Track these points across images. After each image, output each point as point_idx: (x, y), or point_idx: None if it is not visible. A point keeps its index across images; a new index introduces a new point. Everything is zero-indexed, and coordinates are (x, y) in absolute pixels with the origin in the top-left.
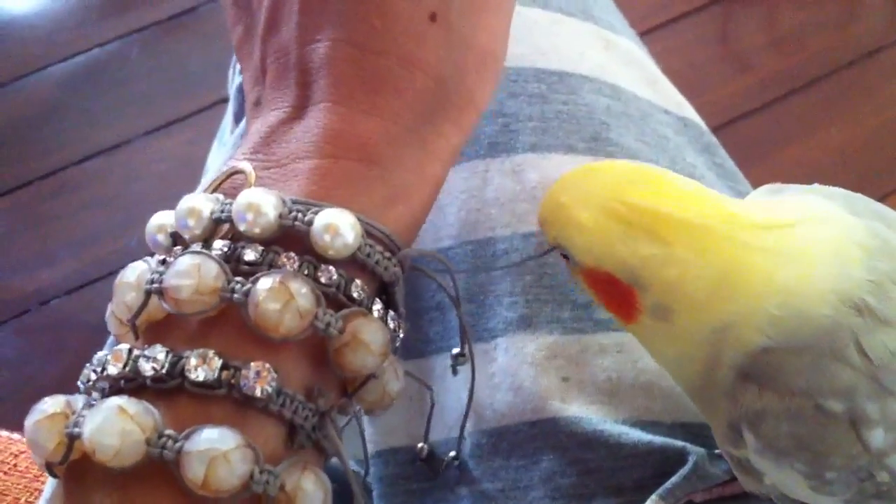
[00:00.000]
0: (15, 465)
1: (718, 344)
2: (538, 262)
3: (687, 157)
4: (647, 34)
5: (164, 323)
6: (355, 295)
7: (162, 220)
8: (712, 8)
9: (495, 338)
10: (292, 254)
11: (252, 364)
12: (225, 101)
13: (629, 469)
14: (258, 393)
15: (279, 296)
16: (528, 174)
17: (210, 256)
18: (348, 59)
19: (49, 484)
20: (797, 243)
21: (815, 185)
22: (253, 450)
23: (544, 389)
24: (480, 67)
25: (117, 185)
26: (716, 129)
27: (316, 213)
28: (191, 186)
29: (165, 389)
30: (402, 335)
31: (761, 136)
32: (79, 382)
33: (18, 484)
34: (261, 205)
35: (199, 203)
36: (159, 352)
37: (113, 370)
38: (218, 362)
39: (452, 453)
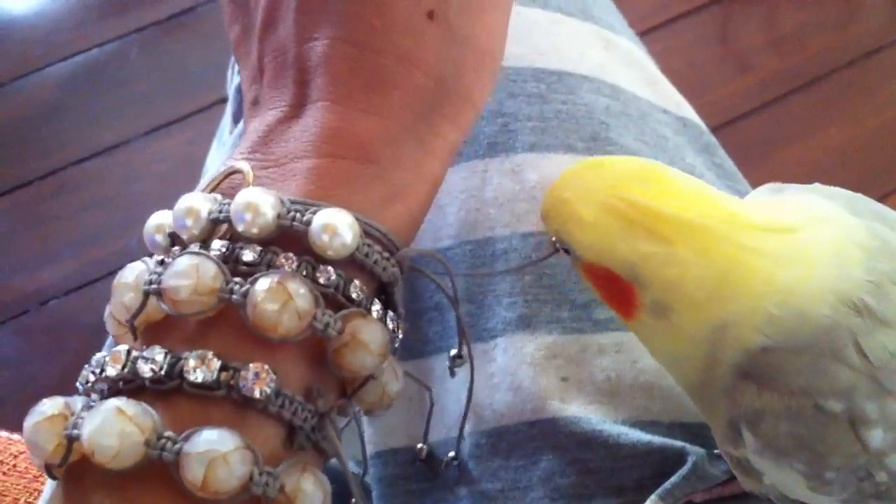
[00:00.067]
0: (14, 466)
1: (717, 343)
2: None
3: (686, 156)
4: (646, 34)
5: (162, 323)
6: (354, 295)
7: (160, 221)
8: (712, 8)
9: (494, 338)
10: (291, 254)
11: (251, 365)
12: (224, 101)
13: (628, 469)
14: (257, 394)
15: (277, 296)
16: (527, 174)
17: (208, 257)
18: (346, 57)
19: (48, 485)
20: (797, 244)
21: (816, 185)
22: (252, 451)
23: (543, 389)
24: (479, 66)
25: (117, 185)
26: (715, 129)
27: (314, 213)
28: (190, 186)
29: (164, 391)
30: (401, 336)
31: (761, 136)
32: (77, 384)
33: (18, 484)
34: (259, 205)
35: (198, 203)
36: (158, 353)
37: (111, 371)
38: (217, 363)
39: (452, 453)
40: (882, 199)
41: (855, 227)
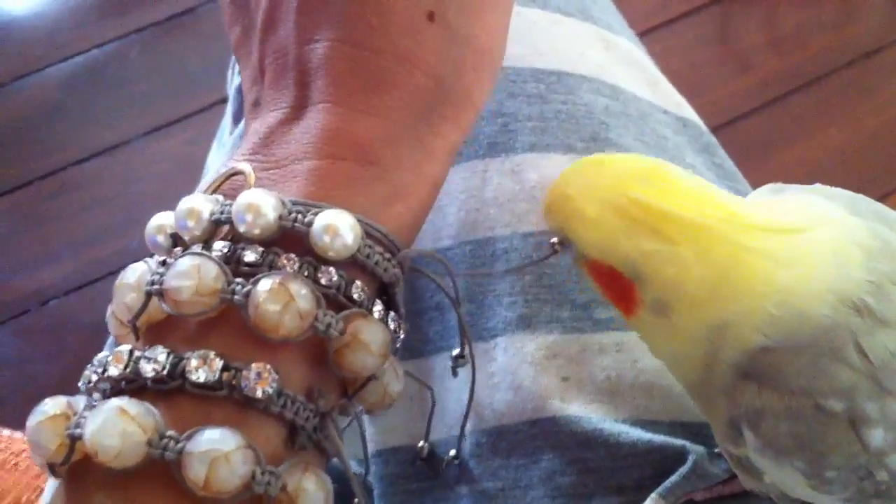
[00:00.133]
0: (16, 464)
1: (717, 342)
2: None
3: (686, 156)
4: (646, 34)
5: (164, 324)
6: (355, 296)
7: (162, 222)
8: (712, 8)
9: (495, 337)
10: (292, 255)
11: (253, 365)
12: (224, 101)
13: (629, 468)
14: (259, 394)
15: (279, 297)
16: (527, 174)
17: (210, 258)
18: (346, 58)
19: (50, 484)
20: (798, 245)
21: (817, 185)
22: (254, 451)
23: (544, 389)
24: (478, 66)
25: (117, 185)
26: (715, 129)
27: (315, 214)
28: (190, 186)
29: (166, 390)
30: (402, 336)
31: (761, 137)
32: (80, 384)
33: (20, 482)
34: (260, 206)
35: (199, 204)
36: (160, 353)
37: (114, 371)
38: (219, 363)
39: (452, 452)
40: (882, 198)
41: (856, 228)
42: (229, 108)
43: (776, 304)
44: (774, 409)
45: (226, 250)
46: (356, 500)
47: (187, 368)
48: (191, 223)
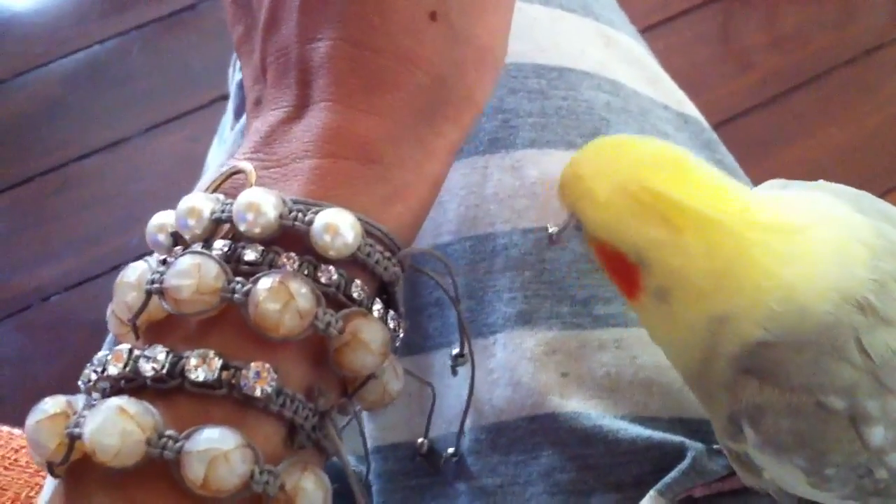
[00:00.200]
0: (16, 461)
1: (716, 334)
2: (538, 258)
3: None
4: (647, 32)
5: (164, 323)
6: (355, 295)
7: (162, 220)
8: (712, 6)
9: (494, 333)
10: (292, 254)
11: (252, 364)
12: (225, 97)
13: (628, 464)
14: (258, 393)
15: (279, 296)
16: (527, 170)
17: (210, 256)
18: (348, 57)
19: (49, 483)
20: (803, 243)
21: (821, 182)
22: (253, 450)
23: (543, 385)
24: (480, 66)
25: (118, 181)
26: (716, 127)
27: (316, 212)
28: (191, 183)
29: (165, 389)
30: (401, 335)
31: (761, 134)
32: (79, 382)
33: (19, 479)
34: (261, 205)
35: (200, 203)
36: (159, 352)
37: (113, 370)
38: (218, 362)
39: (451, 449)
40: (882, 196)
41: (860, 226)
42: (230, 104)
43: (778, 299)
44: (775, 406)
45: (226, 249)
46: (356, 499)
47: (186, 367)
48: (191, 222)
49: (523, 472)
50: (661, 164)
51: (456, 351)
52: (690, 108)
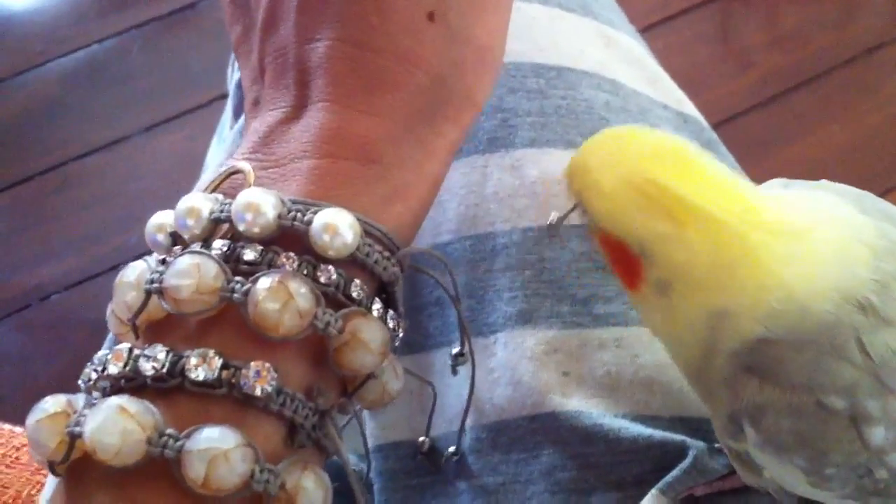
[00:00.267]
0: (17, 459)
1: (715, 329)
2: (538, 257)
3: None
4: (647, 31)
5: (164, 322)
6: (355, 294)
7: (161, 220)
8: (712, 5)
9: (495, 332)
10: (292, 254)
11: (252, 363)
12: (225, 96)
13: (629, 463)
14: (258, 392)
15: (278, 295)
16: (527, 169)
17: (210, 256)
18: (346, 57)
19: (49, 482)
20: (806, 243)
21: (823, 181)
22: (253, 449)
23: (544, 384)
24: (479, 66)
25: (117, 181)
26: (716, 127)
27: (315, 212)
28: (191, 182)
29: (165, 389)
30: (401, 334)
31: (761, 134)
32: (80, 381)
33: (21, 477)
34: (260, 205)
35: (199, 203)
36: (159, 351)
37: (113, 369)
38: (218, 362)
39: (452, 448)
40: (882, 195)
41: (863, 226)
42: (229, 104)
43: (779, 298)
44: (776, 405)
45: (225, 249)
46: (356, 498)
47: (187, 367)
48: (190, 222)
49: (524, 471)
50: (669, 157)
51: (456, 350)
52: (690, 108)
